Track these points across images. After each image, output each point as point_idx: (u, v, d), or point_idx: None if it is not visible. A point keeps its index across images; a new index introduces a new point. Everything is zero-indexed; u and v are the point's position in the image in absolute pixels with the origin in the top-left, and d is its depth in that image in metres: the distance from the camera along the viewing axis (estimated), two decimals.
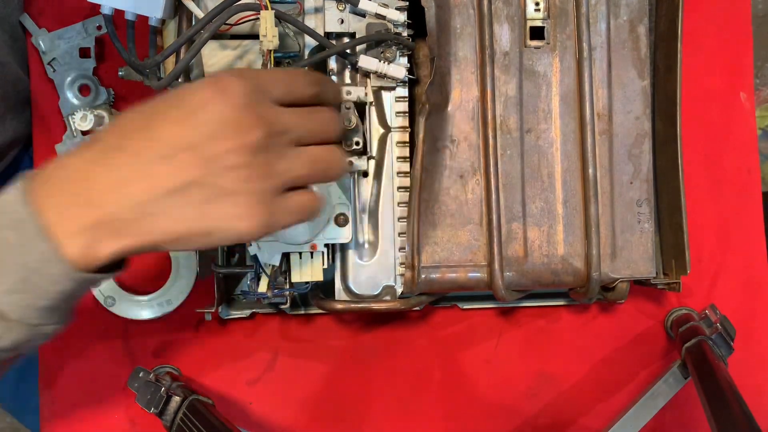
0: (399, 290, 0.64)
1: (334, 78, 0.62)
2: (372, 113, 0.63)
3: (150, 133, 0.41)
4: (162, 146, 0.40)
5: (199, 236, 0.42)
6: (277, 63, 0.55)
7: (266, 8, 0.52)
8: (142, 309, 0.70)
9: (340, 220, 0.59)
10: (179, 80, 0.56)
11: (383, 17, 0.59)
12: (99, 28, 0.69)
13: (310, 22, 0.60)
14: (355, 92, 0.61)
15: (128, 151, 0.40)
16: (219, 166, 0.40)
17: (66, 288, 0.42)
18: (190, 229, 0.41)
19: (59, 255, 0.40)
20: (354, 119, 0.60)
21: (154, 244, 0.42)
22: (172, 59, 0.56)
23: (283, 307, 0.69)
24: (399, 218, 0.63)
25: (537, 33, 0.65)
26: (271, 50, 0.53)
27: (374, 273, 0.64)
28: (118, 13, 0.54)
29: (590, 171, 0.64)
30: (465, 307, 0.73)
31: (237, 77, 0.41)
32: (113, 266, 0.44)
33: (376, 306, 0.63)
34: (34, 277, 0.40)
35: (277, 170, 0.42)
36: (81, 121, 0.66)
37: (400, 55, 0.61)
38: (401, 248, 0.63)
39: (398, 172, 0.63)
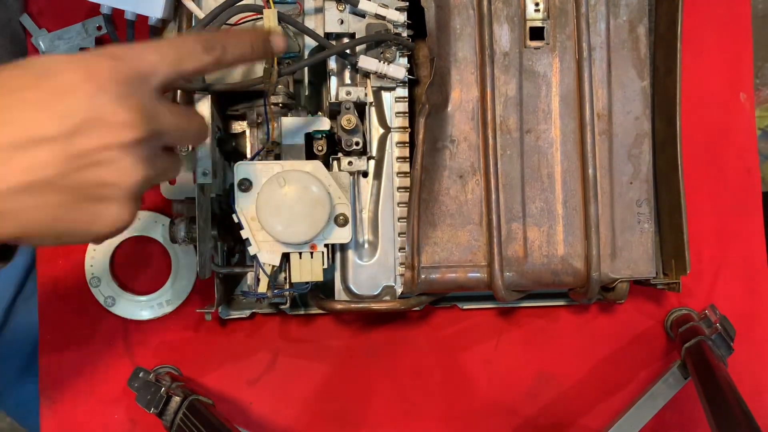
0: (399, 290, 0.64)
1: (333, 79, 0.62)
2: (372, 113, 0.63)
3: (3, 115, 0.35)
4: (16, 134, 0.34)
5: (52, 238, 0.38)
6: (278, 63, 0.55)
7: (269, 7, 0.52)
8: (142, 309, 0.71)
9: (340, 220, 0.59)
10: None
11: (383, 17, 0.59)
12: (99, 28, 0.69)
13: (310, 22, 0.60)
14: (355, 92, 0.61)
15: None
16: (82, 166, 0.36)
17: None
18: (43, 231, 0.37)
19: None
20: (354, 119, 0.60)
21: (11, 239, 0.37)
22: None
23: (283, 307, 0.69)
24: (399, 218, 0.63)
25: (537, 33, 0.65)
26: None
27: (374, 273, 0.64)
28: (118, 13, 0.55)
29: (590, 171, 0.64)
30: (465, 307, 0.73)
31: (111, 59, 0.36)
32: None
33: (376, 306, 0.63)
34: None
35: (145, 177, 0.38)
36: None
37: (400, 56, 0.61)
38: (401, 248, 0.63)
39: (398, 173, 0.63)
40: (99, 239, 0.39)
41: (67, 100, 0.35)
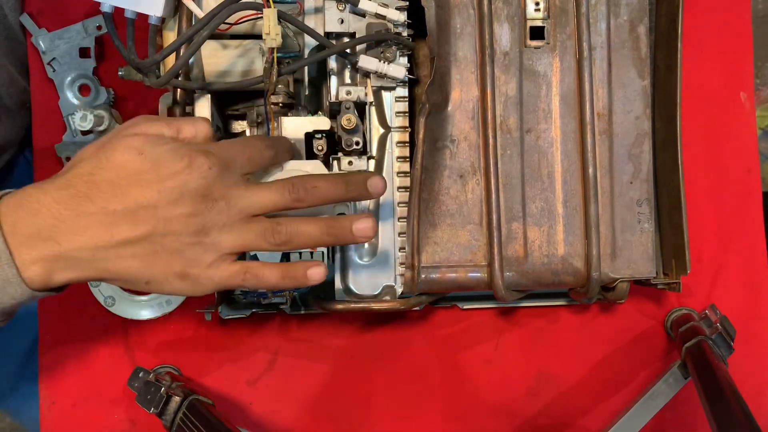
0: (399, 290, 0.64)
1: (334, 78, 0.62)
2: (372, 113, 0.63)
3: (120, 190, 0.46)
4: (128, 202, 0.46)
5: (140, 283, 0.48)
6: (278, 63, 0.55)
7: (269, 6, 0.52)
8: (142, 309, 0.70)
9: None
10: (178, 78, 0.56)
11: (383, 17, 0.59)
12: (99, 28, 0.69)
13: (310, 21, 0.60)
14: (355, 92, 0.60)
15: (96, 203, 0.46)
16: (169, 227, 0.46)
17: (20, 302, 0.47)
18: (133, 276, 0.48)
19: (20, 279, 0.46)
20: (354, 119, 0.60)
21: (102, 280, 0.48)
22: (172, 58, 0.56)
23: (283, 307, 0.69)
24: (399, 218, 0.63)
25: (537, 33, 0.65)
26: (273, 48, 0.53)
27: (374, 273, 0.64)
28: (118, 12, 0.54)
29: (590, 171, 0.64)
30: (465, 307, 0.73)
31: (207, 155, 0.47)
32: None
33: (376, 306, 0.63)
34: None
35: (218, 242, 0.48)
36: (81, 121, 0.66)
37: (400, 55, 0.61)
38: (401, 248, 0.63)
39: (398, 172, 0.63)
40: (174, 293, 0.50)
41: (170, 181, 0.46)
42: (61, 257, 0.46)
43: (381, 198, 0.63)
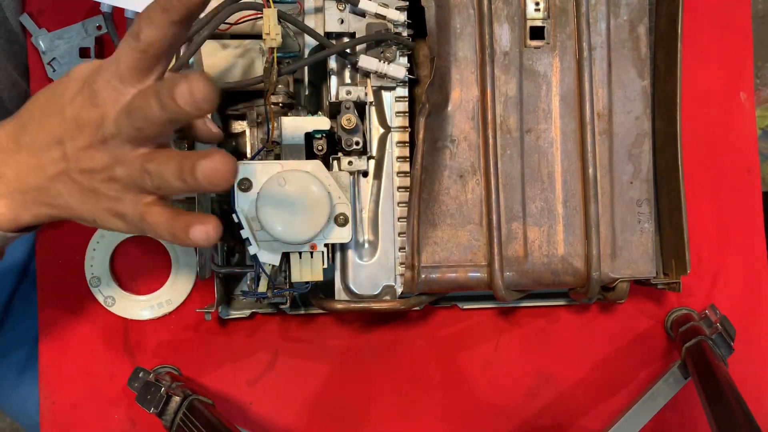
0: (399, 290, 0.64)
1: (334, 78, 0.62)
2: (372, 113, 0.63)
3: (44, 118, 0.45)
4: (46, 137, 0.44)
5: (89, 221, 0.46)
6: (278, 63, 0.55)
7: (269, 6, 0.52)
8: (142, 309, 0.70)
9: (340, 220, 0.59)
10: None
11: (383, 17, 0.59)
12: (99, 27, 0.69)
13: (310, 21, 0.60)
14: (355, 92, 0.60)
15: (29, 134, 0.45)
16: (77, 165, 0.44)
17: None
18: (78, 214, 0.46)
19: None
20: (354, 119, 0.60)
21: (64, 217, 0.47)
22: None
23: (283, 307, 0.69)
24: (399, 218, 0.63)
25: (537, 33, 0.65)
26: (273, 48, 0.53)
27: (374, 273, 0.64)
28: (118, 12, 0.54)
29: (590, 171, 0.64)
30: (465, 307, 0.73)
31: (107, 73, 0.42)
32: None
33: (376, 306, 0.63)
34: None
35: (120, 174, 0.43)
36: None
37: (400, 55, 0.61)
38: (401, 248, 0.63)
39: (398, 172, 0.63)
40: (116, 231, 0.47)
41: (69, 110, 0.43)
42: (15, 194, 0.46)
43: (381, 198, 0.63)
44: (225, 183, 0.40)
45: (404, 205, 0.63)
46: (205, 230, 0.41)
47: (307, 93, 0.62)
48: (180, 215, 0.43)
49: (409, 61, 0.62)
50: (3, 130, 0.46)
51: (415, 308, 0.66)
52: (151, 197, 0.44)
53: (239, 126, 0.65)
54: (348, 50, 0.60)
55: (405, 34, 0.61)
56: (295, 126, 0.59)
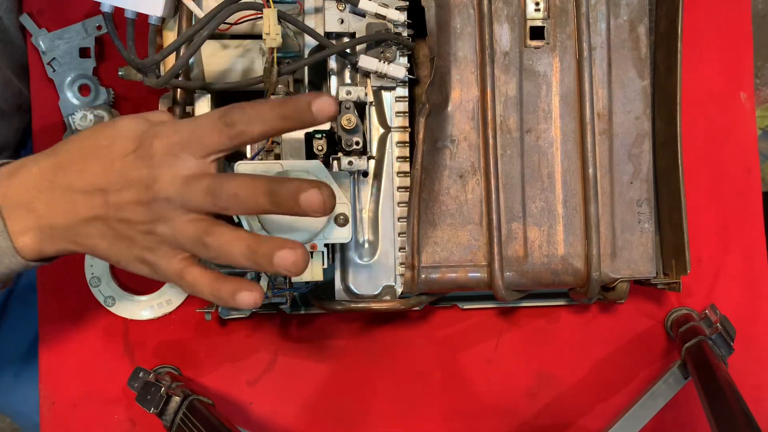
0: (399, 290, 0.64)
1: (333, 78, 0.61)
2: (372, 113, 0.63)
3: (84, 163, 0.46)
4: (86, 182, 0.46)
5: (112, 262, 0.48)
6: (278, 63, 0.55)
7: (269, 6, 0.52)
8: (142, 309, 0.70)
9: (340, 220, 0.59)
10: (178, 78, 0.56)
11: (383, 17, 0.59)
12: (99, 28, 0.69)
13: (310, 21, 0.60)
14: (355, 92, 0.60)
15: (67, 176, 0.46)
16: (117, 214, 0.45)
17: (14, 270, 0.49)
18: (103, 255, 0.48)
19: (13, 249, 0.47)
20: (354, 119, 0.59)
21: (87, 253, 0.48)
22: (171, 58, 0.56)
23: (283, 307, 0.69)
24: (399, 218, 0.63)
25: (537, 33, 0.65)
26: (273, 48, 0.53)
27: (374, 273, 0.64)
28: (118, 12, 0.54)
29: (590, 171, 0.64)
30: (465, 307, 0.73)
31: (162, 136, 0.44)
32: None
33: (376, 306, 0.63)
34: None
35: (160, 232, 0.45)
36: (81, 121, 0.66)
37: (400, 55, 0.61)
38: (401, 248, 0.63)
39: (398, 172, 0.63)
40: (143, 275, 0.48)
41: (117, 163, 0.45)
42: (45, 229, 0.47)
43: (381, 198, 0.63)
44: (302, 272, 0.44)
45: (404, 205, 0.63)
46: (252, 297, 0.45)
47: (307, 93, 0.62)
48: (225, 280, 0.45)
49: (409, 61, 0.62)
50: (37, 165, 0.47)
51: (415, 308, 0.66)
52: (186, 254, 0.46)
53: None
54: (348, 50, 0.60)
55: (405, 34, 0.61)
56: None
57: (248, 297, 0.44)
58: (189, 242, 0.45)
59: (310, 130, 0.60)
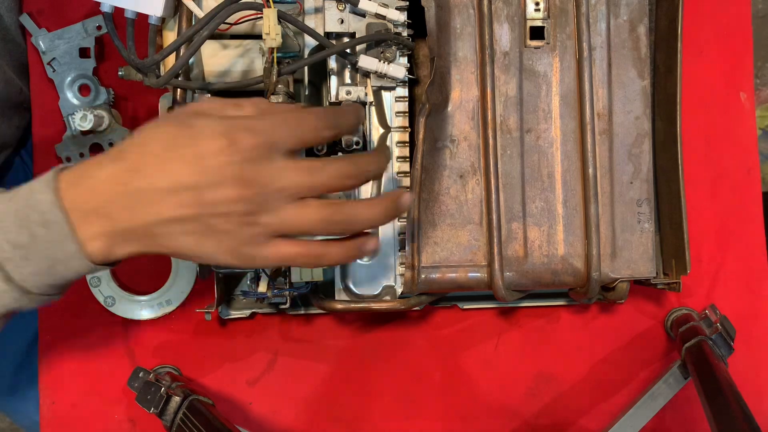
0: (399, 290, 0.64)
1: (333, 78, 0.62)
2: (372, 113, 0.63)
3: (164, 165, 0.45)
4: (170, 180, 0.45)
5: (193, 257, 0.48)
6: (278, 63, 0.55)
7: (269, 6, 0.52)
8: (142, 309, 0.70)
9: None
10: (178, 78, 0.56)
11: (383, 17, 0.59)
12: (99, 28, 0.69)
13: (310, 21, 0.60)
14: (355, 92, 0.60)
15: (145, 178, 0.45)
16: (214, 210, 0.45)
17: (81, 274, 0.48)
18: (186, 253, 0.47)
19: (82, 254, 0.46)
20: None
21: (160, 253, 0.48)
22: (171, 58, 0.56)
23: (283, 307, 0.69)
24: (399, 218, 0.63)
25: (537, 33, 0.65)
26: (273, 48, 0.53)
27: (374, 273, 0.64)
28: (118, 12, 0.54)
29: (590, 171, 0.64)
30: (465, 307, 0.73)
31: (250, 133, 0.45)
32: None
33: (376, 306, 0.63)
34: (59, 266, 0.46)
35: (263, 222, 0.46)
36: (81, 121, 0.66)
37: (400, 55, 0.61)
38: (401, 248, 0.63)
39: (398, 172, 0.63)
40: (228, 267, 0.50)
41: (211, 160, 0.45)
42: (118, 233, 0.46)
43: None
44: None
45: None
46: (374, 241, 0.50)
47: (307, 93, 0.62)
48: (336, 243, 0.49)
49: (409, 61, 0.62)
50: (103, 170, 0.46)
51: (415, 308, 0.66)
52: (286, 238, 0.48)
53: None
54: (348, 50, 0.60)
55: (405, 34, 0.61)
56: None
57: (372, 243, 0.50)
58: (308, 225, 0.47)
59: None
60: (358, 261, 0.64)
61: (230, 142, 0.45)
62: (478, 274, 0.64)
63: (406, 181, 0.63)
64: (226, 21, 0.53)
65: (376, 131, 0.63)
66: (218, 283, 0.65)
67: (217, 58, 0.60)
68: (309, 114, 0.48)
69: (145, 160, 0.46)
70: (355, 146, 0.61)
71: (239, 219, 0.46)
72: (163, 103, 0.68)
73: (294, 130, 0.47)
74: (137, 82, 0.60)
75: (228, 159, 0.45)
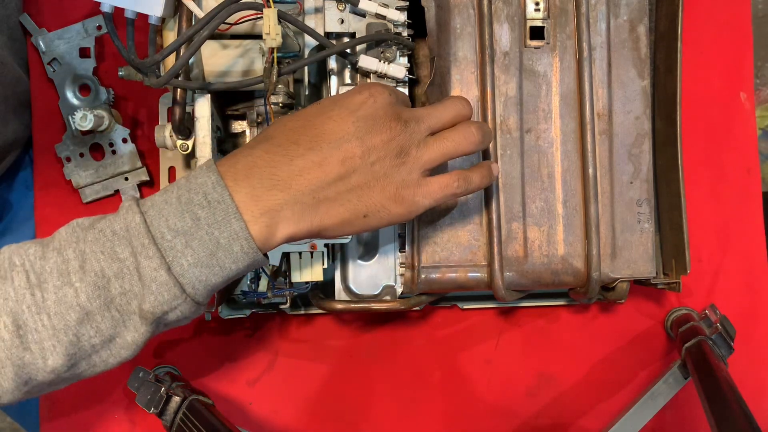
0: (399, 290, 0.64)
1: (333, 78, 0.62)
2: None
3: (317, 129, 0.48)
4: (331, 138, 0.48)
5: (359, 218, 0.49)
6: (278, 63, 0.55)
7: (269, 6, 0.52)
8: None
9: None
10: (178, 78, 0.56)
11: (383, 17, 0.59)
12: (99, 28, 0.70)
13: (310, 21, 0.60)
14: None
15: (302, 145, 0.47)
16: (373, 155, 0.48)
17: (240, 268, 0.47)
18: (352, 212, 0.49)
19: (248, 233, 0.45)
20: None
21: (321, 229, 0.49)
22: (171, 58, 0.56)
23: (283, 307, 0.69)
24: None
25: (537, 33, 0.65)
26: (273, 48, 0.53)
27: (374, 273, 0.64)
28: (118, 12, 0.54)
29: (590, 171, 0.64)
30: (465, 307, 0.73)
31: (383, 86, 0.51)
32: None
33: (376, 306, 0.63)
34: (220, 252, 0.45)
35: (418, 157, 0.50)
36: (81, 120, 0.66)
37: (400, 55, 0.61)
38: (401, 248, 0.63)
39: None
40: (393, 219, 0.51)
41: (361, 111, 0.49)
42: (286, 205, 0.46)
43: None
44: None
45: None
46: (496, 167, 0.57)
47: (307, 93, 0.62)
48: (470, 169, 0.54)
49: (409, 61, 0.62)
50: (258, 150, 0.48)
51: (415, 308, 0.66)
52: (431, 171, 0.52)
53: (239, 126, 0.65)
54: (348, 50, 0.60)
55: (405, 34, 0.61)
56: None
57: (496, 165, 0.57)
58: (452, 143, 0.52)
59: None
60: (359, 261, 0.64)
61: (371, 93, 0.50)
62: (478, 274, 0.64)
63: None
64: (226, 21, 0.53)
65: None
66: None
67: (217, 58, 0.60)
68: (469, 125, 0.54)
69: (297, 132, 0.48)
70: None
71: (393, 160, 0.49)
72: (163, 103, 0.68)
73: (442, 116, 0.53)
74: (137, 82, 0.60)
75: (374, 105, 0.49)
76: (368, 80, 0.62)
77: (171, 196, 0.46)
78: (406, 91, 0.62)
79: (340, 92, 0.60)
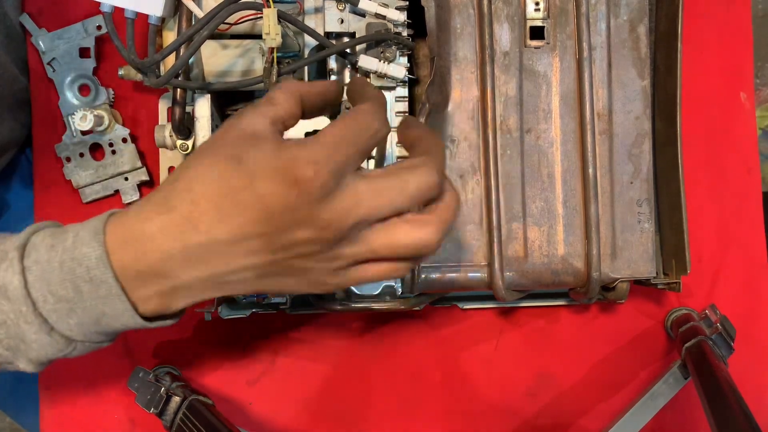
0: (399, 290, 0.64)
1: (333, 78, 0.62)
2: None
3: (222, 213, 0.40)
4: (235, 232, 0.40)
5: (271, 294, 0.47)
6: (278, 63, 0.55)
7: (269, 5, 0.52)
8: None
9: None
10: (178, 78, 0.56)
11: (383, 17, 0.59)
12: (99, 28, 0.69)
13: (310, 21, 0.60)
14: None
15: (201, 231, 0.40)
16: (289, 253, 0.41)
17: (132, 328, 0.44)
18: (264, 291, 0.44)
19: (133, 312, 0.43)
20: None
21: (234, 296, 0.46)
22: (171, 58, 0.56)
23: (283, 307, 0.69)
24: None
25: (537, 33, 0.65)
26: (273, 48, 0.53)
27: None
28: (118, 12, 0.54)
29: (590, 171, 0.64)
30: (465, 307, 0.73)
31: (311, 166, 0.39)
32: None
33: (376, 306, 0.63)
34: (105, 319, 0.43)
35: (348, 253, 0.42)
36: (81, 121, 0.66)
37: (400, 55, 0.61)
38: None
39: None
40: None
41: (274, 206, 0.39)
42: (177, 289, 0.42)
43: None
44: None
45: None
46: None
47: None
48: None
49: (409, 61, 0.62)
50: (152, 225, 0.41)
51: (415, 308, 0.66)
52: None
53: None
54: (348, 50, 0.60)
55: (405, 34, 0.61)
56: (296, 126, 0.59)
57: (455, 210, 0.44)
58: (402, 247, 0.42)
59: (311, 129, 0.60)
60: None
61: (292, 182, 0.39)
62: (478, 274, 0.64)
63: None
64: (226, 21, 0.53)
65: None
66: None
67: (217, 58, 0.60)
68: (363, 116, 0.42)
69: (200, 208, 0.40)
70: None
71: (320, 256, 0.41)
72: (163, 103, 0.68)
73: (357, 145, 0.41)
74: (137, 82, 0.60)
75: (294, 201, 0.39)
76: (368, 80, 0.62)
77: (53, 257, 0.42)
78: (405, 91, 0.63)
79: None
